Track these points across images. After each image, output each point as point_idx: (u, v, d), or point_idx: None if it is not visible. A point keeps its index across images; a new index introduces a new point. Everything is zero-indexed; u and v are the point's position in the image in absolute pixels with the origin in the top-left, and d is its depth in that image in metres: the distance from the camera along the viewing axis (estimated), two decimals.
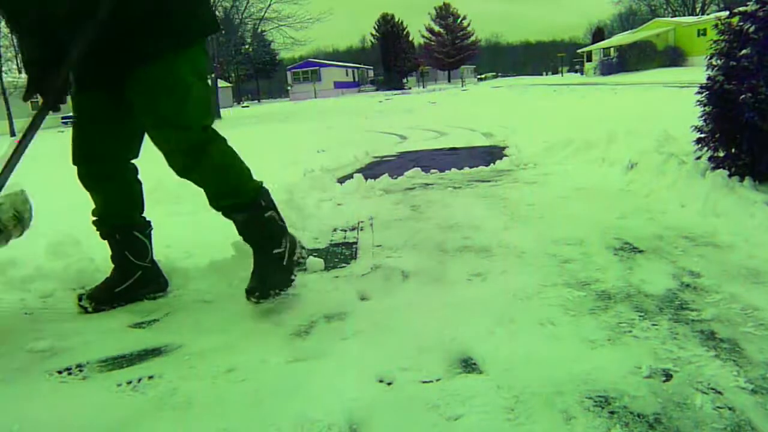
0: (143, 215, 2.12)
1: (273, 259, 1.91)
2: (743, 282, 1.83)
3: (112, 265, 2.08)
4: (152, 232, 2.14)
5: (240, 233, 1.97)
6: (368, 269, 2.24)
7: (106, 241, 2.07)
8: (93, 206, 2.06)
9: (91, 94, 1.91)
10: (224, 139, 1.91)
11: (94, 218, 2.06)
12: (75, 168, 1.99)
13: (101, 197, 2.03)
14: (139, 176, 2.10)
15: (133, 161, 2.06)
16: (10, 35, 34.32)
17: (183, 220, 3.22)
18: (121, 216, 2.05)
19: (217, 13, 24.97)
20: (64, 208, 3.13)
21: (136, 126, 1.92)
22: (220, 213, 1.97)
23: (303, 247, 2.18)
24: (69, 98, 1.88)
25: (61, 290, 2.21)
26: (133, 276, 2.05)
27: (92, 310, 1.98)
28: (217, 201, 1.95)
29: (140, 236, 2.07)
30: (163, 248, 2.45)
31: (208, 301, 2.06)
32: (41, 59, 1.77)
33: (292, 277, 1.96)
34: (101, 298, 2.01)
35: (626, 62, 33.52)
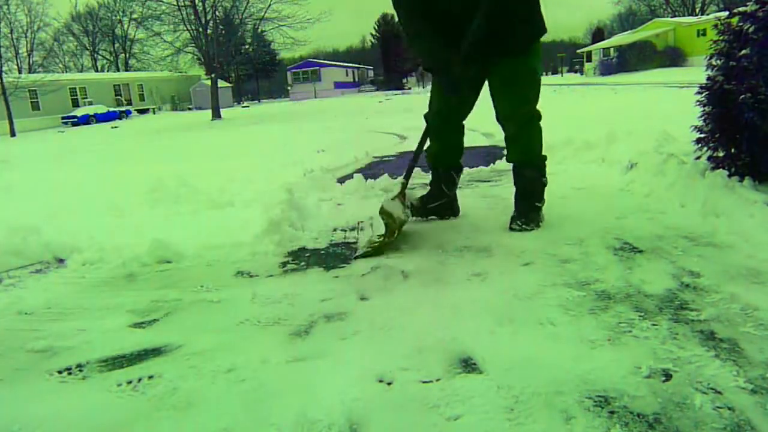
0: (460, 161, 2.95)
1: (535, 207, 2.67)
2: (743, 282, 1.83)
3: (429, 188, 2.94)
4: (461, 173, 2.99)
5: (520, 183, 2.69)
6: (368, 269, 2.24)
7: (432, 170, 2.94)
8: (429, 145, 2.86)
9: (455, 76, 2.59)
10: (541, 118, 2.65)
11: (428, 154, 2.90)
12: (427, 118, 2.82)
13: (441, 143, 2.86)
14: (464, 131, 2.89)
15: (464, 120, 2.86)
16: (9, 35, 34.31)
17: (183, 220, 3.22)
18: (449, 158, 2.90)
19: (217, 13, 25.10)
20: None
21: (476, 95, 2.76)
22: (511, 165, 2.73)
23: (543, 216, 2.72)
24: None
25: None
26: (441, 200, 2.90)
27: (411, 216, 2.74)
28: (520, 156, 2.67)
29: (453, 175, 2.91)
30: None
31: (208, 301, 2.06)
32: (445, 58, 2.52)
33: (540, 224, 2.65)
34: (417, 209, 2.87)
35: (626, 62, 33.51)
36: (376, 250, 2.45)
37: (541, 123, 2.67)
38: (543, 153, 2.70)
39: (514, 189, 2.73)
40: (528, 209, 2.64)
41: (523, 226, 2.58)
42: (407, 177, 2.72)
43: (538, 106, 2.63)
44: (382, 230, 2.55)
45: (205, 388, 1.45)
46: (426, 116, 2.82)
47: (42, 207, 4.05)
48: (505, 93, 2.60)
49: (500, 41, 2.44)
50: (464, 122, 2.87)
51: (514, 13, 2.43)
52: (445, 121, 2.79)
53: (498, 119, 2.68)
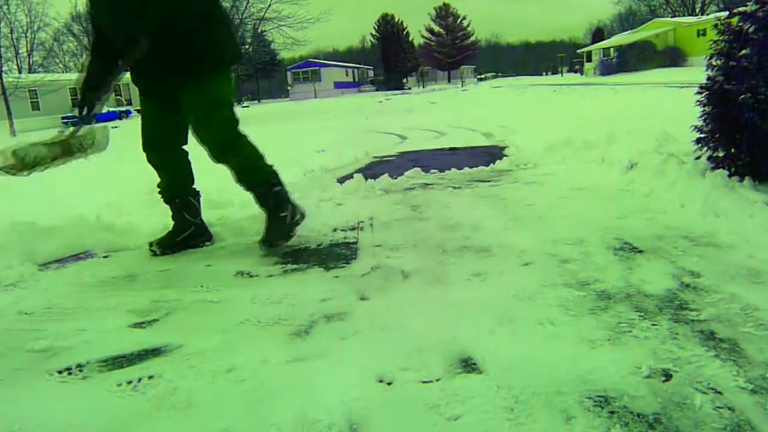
0: (194, 186, 2.86)
1: (280, 219, 2.66)
2: (743, 282, 1.83)
3: (173, 222, 2.81)
4: (201, 198, 2.89)
5: (257, 201, 2.72)
6: (368, 269, 2.24)
7: (167, 205, 2.83)
8: (158, 181, 2.80)
9: (150, 100, 2.74)
10: (246, 136, 2.64)
11: (159, 189, 2.81)
12: (144, 154, 2.77)
13: (165, 174, 2.79)
14: (189, 157, 2.82)
15: (184, 147, 2.79)
16: (9, 35, 34.34)
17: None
18: (179, 187, 2.80)
19: None
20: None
21: (185, 121, 2.65)
22: (242, 187, 2.70)
23: (302, 213, 2.77)
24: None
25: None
26: (189, 229, 2.79)
27: (159, 254, 2.69)
28: (241, 179, 2.67)
29: (193, 201, 2.84)
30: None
31: (208, 301, 2.06)
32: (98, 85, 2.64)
33: (291, 233, 2.69)
34: (166, 245, 2.73)
35: (626, 62, 33.51)
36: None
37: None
38: (268, 164, 2.71)
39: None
40: (274, 223, 2.65)
41: (269, 247, 2.60)
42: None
43: (240, 127, 2.63)
44: (383, 230, 2.55)
45: (205, 388, 1.45)
46: (144, 150, 2.79)
47: (43, 207, 4.05)
48: (194, 124, 2.61)
49: (171, 71, 2.54)
50: (185, 148, 2.80)
51: (185, 51, 2.51)
52: (155, 150, 2.76)
53: (206, 151, 2.64)
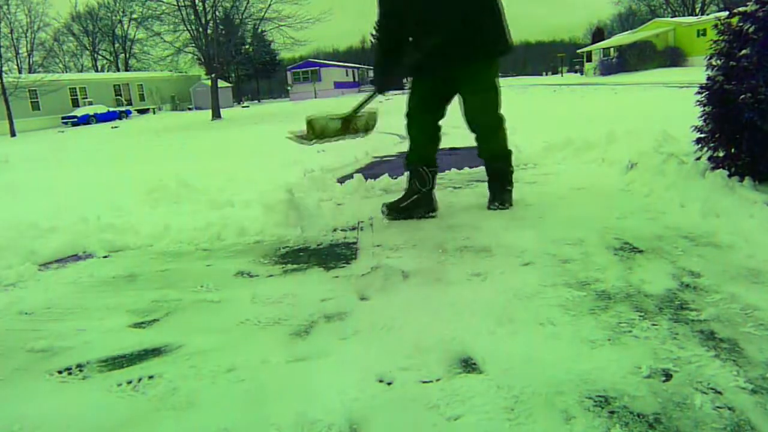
0: (435, 158, 3.21)
1: (506, 192, 3.13)
2: (743, 282, 1.83)
3: (407, 187, 3.15)
4: (437, 171, 3.22)
5: (492, 172, 3.14)
6: (368, 269, 2.24)
7: (407, 170, 3.19)
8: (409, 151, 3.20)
9: (425, 78, 3.07)
10: (505, 120, 3.07)
11: (406, 158, 3.20)
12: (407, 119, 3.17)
13: (415, 142, 3.16)
14: (441, 132, 3.20)
15: (440, 122, 3.16)
16: (9, 35, 34.33)
17: (183, 219, 3.22)
18: (422, 155, 3.14)
19: (217, 13, 25.10)
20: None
21: (449, 100, 3.11)
22: (486, 160, 3.14)
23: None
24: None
25: None
26: (414, 196, 3.08)
27: (386, 215, 3.05)
28: (487, 153, 3.11)
29: (427, 171, 3.11)
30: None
31: (208, 301, 2.06)
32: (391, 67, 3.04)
33: (512, 203, 3.13)
34: (392, 208, 3.06)
35: (626, 62, 33.50)
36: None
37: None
38: (510, 149, 3.15)
39: (487, 178, 3.17)
40: (501, 192, 3.11)
41: (500, 206, 3.06)
42: (357, 109, 3.13)
43: (502, 111, 3.05)
44: (383, 230, 2.55)
45: (205, 388, 1.45)
46: (406, 120, 3.18)
47: (43, 207, 4.05)
48: (473, 103, 2.99)
49: (466, 55, 2.87)
50: (441, 126, 3.19)
51: (479, 33, 2.85)
52: (417, 120, 3.13)
53: (468, 123, 3.07)
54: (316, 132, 2.98)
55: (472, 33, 2.84)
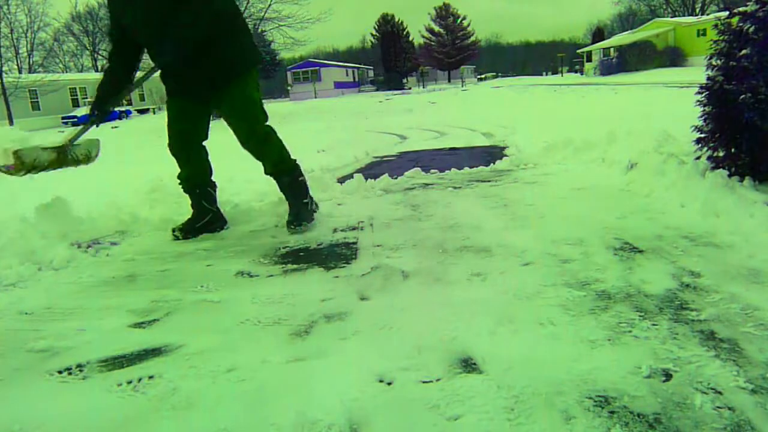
0: (212, 177, 3.16)
1: (303, 204, 3.06)
2: (743, 282, 1.83)
3: (191, 210, 3.08)
4: (217, 189, 3.18)
5: (282, 189, 3.10)
6: (368, 269, 2.24)
7: (188, 194, 3.10)
8: (179, 171, 3.08)
9: (177, 99, 3.03)
10: (275, 131, 3.04)
11: (180, 180, 3.09)
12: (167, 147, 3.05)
13: (187, 166, 3.06)
14: (208, 152, 3.13)
15: (204, 143, 3.09)
16: (9, 35, 34.32)
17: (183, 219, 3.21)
18: (199, 178, 3.09)
19: None
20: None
21: (208, 119, 3.08)
22: (271, 177, 3.08)
23: (317, 205, 3.22)
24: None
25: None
26: (207, 216, 3.08)
27: (181, 238, 2.96)
28: (272, 168, 3.04)
29: (211, 191, 3.13)
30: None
31: (208, 301, 2.06)
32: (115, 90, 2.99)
33: (313, 217, 3.08)
34: (187, 230, 3.00)
35: (626, 62, 33.49)
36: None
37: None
38: (292, 158, 3.10)
39: (282, 195, 3.15)
40: (299, 208, 3.04)
41: (298, 227, 2.92)
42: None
43: (269, 122, 3.03)
44: (383, 230, 2.55)
45: (205, 388, 1.45)
46: (169, 146, 3.06)
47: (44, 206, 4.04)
48: (235, 121, 2.96)
49: (211, 78, 2.87)
50: (205, 145, 3.12)
51: (226, 55, 2.86)
52: (181, 145, 3.04)
53: (240, 143, 2.99)
54: (26, 164, 2.75)
55: (216, 53, 2.82)
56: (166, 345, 1.71)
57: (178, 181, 3.11)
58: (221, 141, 3.44)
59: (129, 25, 2.85)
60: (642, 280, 1.91)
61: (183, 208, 3.54)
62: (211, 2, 2.75)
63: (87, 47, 53.49)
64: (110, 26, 3.00)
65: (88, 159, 3.10)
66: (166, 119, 3.05)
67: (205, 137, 3.09)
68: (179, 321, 1.90)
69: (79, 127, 3.03)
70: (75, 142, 2.99)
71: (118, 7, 2.86)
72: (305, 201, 3.09)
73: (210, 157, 3.14)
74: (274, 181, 3.12)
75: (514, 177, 4.09)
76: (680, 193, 2.79)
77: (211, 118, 3.15)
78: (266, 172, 3.08)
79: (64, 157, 2.95)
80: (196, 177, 3.08)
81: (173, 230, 3.01)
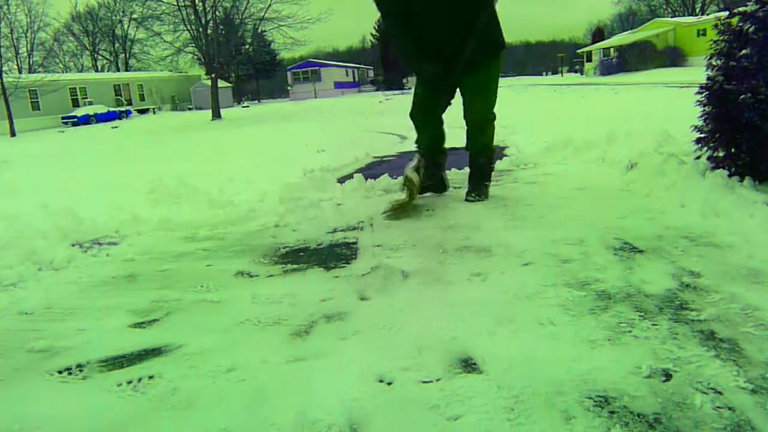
0: (444, 148, 3.54)
1: (485, 185, 3.40)
2: (743, 282, 1.83)
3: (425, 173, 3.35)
4: (447, 157, 3.59)
5: (475, 168, 3.43)
6: (368, 269, 2.24)
7: (422, 158, 3.38)
8: (416, 137, 3.49)
9: (433, 82, 3.20)
10: (496, 117, 3.36)
11: (418, 145, 3.48)
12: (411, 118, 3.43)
13: (425, 136, 3.44)
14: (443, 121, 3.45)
15: (442, 115, 3.40)
16: (9, 35, 34.30)
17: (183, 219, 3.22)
18: (433, 146, 3.46)
19: (217, 13, 25.11)
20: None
21: (452, 97, 3.27)
22: (470, 153, 3.44)
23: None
24: None
25: None
26: (433, 180, 3.46)
27: (419, 194, 3.33)
28: (480, 147, 3.38)
29: (440, 159, 3.51)
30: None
31: (208, 301, 2.06)
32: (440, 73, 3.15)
33: (488, 197, 3.35)
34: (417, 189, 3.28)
35: (626, 62, 33.49)
36: (399, 209, 3.07)
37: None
38: (494, 146, 3.48)
39: (468, 171, 3.49)
40: (480, 186, 3.38)
41: (476, 197, 3.30)
42: (427, 159, 3.39)
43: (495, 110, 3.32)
44: (383, 230, 2.56)
45: (205, 388, 1.45)
46: (411, 114, 3.39)
47: (40, 207, 4.05)
48: (479, 96, 3.24)
49: (475, 56, 3.08)
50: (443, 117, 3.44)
51: (487, 36, 3.11)
52: (425, 117, 3.37)
53: (465, 116, 3.29)
54: (416, 187, 3.21)
55: (487, 34, 3.08)
56: (166, 345, 1.71)
57: (416, 146, 3.50)
58: (222, 141, 3.44)
59: (414, 11, 3.06)
60: (642, 280, 1.91)
61: (183, 208, 3.55)
62: None
63: (87, 47, 53.48)
64: (387, 14, 3.19)
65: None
66: (418, 92, 3.33)
67: (444, 111, 3.35)
68: (179, 321, 1.90)
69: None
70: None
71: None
72: (486, 183, 3.42)
73: (444, 127, 3.48)
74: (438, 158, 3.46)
75: (514, 177, 4.09)
76: (680, 193, 2.79)
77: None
78: (470, 148, 3.41)
79: (420, 174, 3.30)
80: (431, 145, 3.44)
81: (406, 178, 3.28)
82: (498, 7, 3.15)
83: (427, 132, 3.42)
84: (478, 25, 2.99)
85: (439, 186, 3.52)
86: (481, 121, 3.30)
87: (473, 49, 3.03)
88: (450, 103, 3.28)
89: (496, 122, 3.36)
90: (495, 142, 3.53)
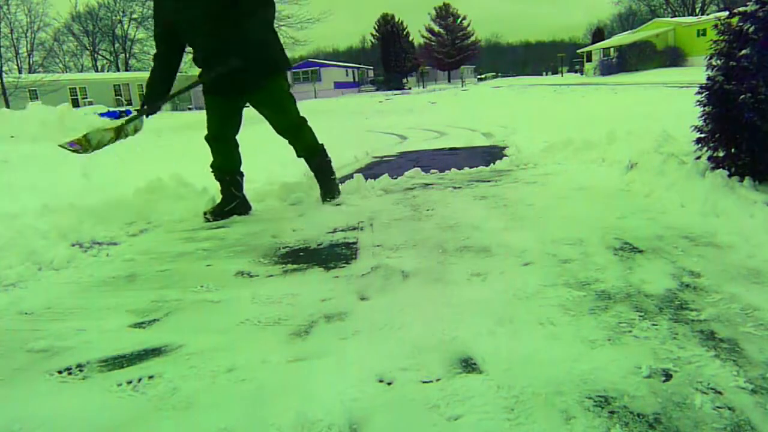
0: (240, 168, 3.56)
1: (331, 180, 3.62)
2: (743, 282, 1.83)
3: (221, 195, 3.48)
4: (244, 178, 3.58)
5: (313, 169, 3.61)
6: (368, 269, 2.24)
7: (219, 182, 3.50)
8: (212, 161, 3.51)
9: (216, 97, 3.39)
10: (307, 120, 3.53)
11: (213, 169, 3.51)
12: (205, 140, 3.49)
13: (220, 157, 3.48)
14: (238, 144, 3.54)
15: (236, 136, 3.51)
16: (9, 35, 34.31)
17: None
18: (230, 167, 3.50)
19: None
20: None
21: (239, 115, 3.47)
22: (303, 158, 3.60)
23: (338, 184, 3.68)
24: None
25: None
26: (235, 201, 3.47)
27: (212, 220, 3.34)
28: (305, 151, 3.56)
29: (239, 179, 3.53)
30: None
31: (208, 301, 2.06)
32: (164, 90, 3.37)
33: (339, 191, 3.63)
34: (217, 213, 3.39)
35: (626, 62, 33.50)
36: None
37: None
38: (320, 142, 3.62)
39: (312, 174, 3.66)
40: (329, 184, 3.60)
41: (330, 198, 3.55)
42: (127, 121, 3.41)
43: (302, 114, 3.52)
44: (383, 230, 2.56)
45: (205, 388, 1.45)
46: (206, 138, 3.49)
47: (40, 207, 4.04)
48: (274, 113, 3.43)
49: (260, 75, 3.27)
50: (237, 138, 3.54)
51: (267, 54, 3.29)
52: (218, 138, 3.46)
53: (277, 132, 3.51)
54: (92, 145, 3.25)
55: (261, 55, 3.22)
56: (166, 345, 1.71)
57: (211, 169, 3.52)
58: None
59: (178, 25, 3.16)
60: (642, 280, 1.91)
61: (183, 208, 3.55)
62: (266, 6, 3.14)
63: (87, 47, 53.47)
64: (155, 25, 3.30)
65: (135, 131, 3.47)
66: (206, 113, 3.46)
67: (237, 131, 3.50)
68: (179, 321, 1.90)
69: (132, 115, 3.46)
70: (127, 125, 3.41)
71: (167, 8, 3.15)
72: (332, 177, 3.62)
73: (240, 151, 3.54)
74: (305, 164, 3.62)
75: (514, 177, 4.09)
76: (680, 193, 2.79)
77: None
78: (299, 155, 3.58)
79: (118, 133, 3.36)
80: (227, 166, 3.49)
81: (204, 213, 3.39)
82: (277, 29, 3.40)
83: (221, 155, 3.48)
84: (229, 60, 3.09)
85: (242, 207, 3.51)
86: (290, 130, 3.48)
87: (253, 69, 3.17)
88: (240, 126, 3.47)
89: (308, 123, 3.52)
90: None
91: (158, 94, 3.33)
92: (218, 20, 3.06)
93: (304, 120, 3.52)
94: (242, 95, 3.36)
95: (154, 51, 3.41)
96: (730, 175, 2.68)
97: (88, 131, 3.27)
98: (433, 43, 63.29)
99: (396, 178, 4.30)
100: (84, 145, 3.22)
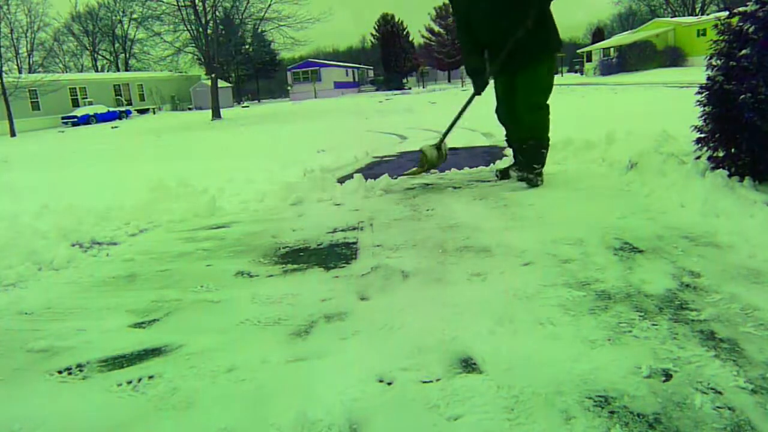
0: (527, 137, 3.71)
1: (534, 168, 3.58)
2: (743, 282, 1.83)
3: (515, 159, 3.92)
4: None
5: (526, 152, 3.65)
6: (368, 269, 2.24)
7: (511, 148, 4.01)
8: (505, 133, 4.00)
9: (502, 78, 3.78)
10: (549, 108, 3.67)
11: (506, 138, 4.02)
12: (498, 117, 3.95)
13: (510, 130, 3.89)
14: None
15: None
16: (9, 35, 34.32)
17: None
18: (518, 138, 3.77)
19: (217, 13, 25.11)
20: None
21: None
22: (526, 139, 3.66)
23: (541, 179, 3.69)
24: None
25: None
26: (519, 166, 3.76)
27: (500, 178, 3.90)
28: (531, 133, 3.62)
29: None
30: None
31: (208, 301, 2.06)
32: (480, 69, 3.75)
33: (537, 183, 3.59)
34: (504, 173, 3.89)
35: (626, 62, 33.47)
36: (413, 174, 3.85)
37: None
38: (546, 135, 3.65)
39: (520, 155, 3.78)
40: (527, 169, 3.61)
41: (523, 179, 3.63)
42: (444, 135, 4.10)
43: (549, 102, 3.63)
44: (383, 230, 2.55)
45: (205, 388, 1.45)
46: (496, 111, 3.91)
47: (40, 207, 4.05)
48: (532, 88, 3.55)
49: (528, 56, 3.48)
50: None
51: (541, 38, 3.49)
52: (509, 116, 3.79)
53: (518, 105, 3.62)
54: (429, 161, 3.81)
55: (542, 34, 3.47)
56: (166, 345, 1.71)
57: (505, 139, 3.99)
58: (222, 141, 3.45)
59: (476, 20, 3.56)
60: (642, 280, 1.91)
61: (183, 208, 3.55)
62: None
63: (87, 47, 53.47)
64: (458, 21, 3.76)
65: (445, 158, 3.99)
66: (495, 93, 3.85)
67: (525, 99, 3.67)
68: (179, 321, 1.90)
69: (449, 124, 4.03)
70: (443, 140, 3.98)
71: (463, 6, 3.63)
72: (536, 168, 3.57)
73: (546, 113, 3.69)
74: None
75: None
76: (680, 193, 2.79)
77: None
78: (523, 135, 3.67)
79: (440, 153, 3.91)
80: (515, 136, 3.81)
81: (495, 171, 3.97)
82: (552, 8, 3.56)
83: (511, 126, 3.82)
84: (517, 32, 3.37)
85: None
86: (527, 108, 3.58)
87: (526, 51, 3.41)
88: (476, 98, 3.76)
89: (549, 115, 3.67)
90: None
91: (483, 70, 3.69)
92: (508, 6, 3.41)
93: (546, 106, 3.64)
94: (514, 75, 3.60)
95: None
96: (730, 175, 2.68)
97: (425, 149, 3.89)
98: (433, 43, 63.26)
99: (396, 178, 4.30)
100: (427, 163, 3.79)
